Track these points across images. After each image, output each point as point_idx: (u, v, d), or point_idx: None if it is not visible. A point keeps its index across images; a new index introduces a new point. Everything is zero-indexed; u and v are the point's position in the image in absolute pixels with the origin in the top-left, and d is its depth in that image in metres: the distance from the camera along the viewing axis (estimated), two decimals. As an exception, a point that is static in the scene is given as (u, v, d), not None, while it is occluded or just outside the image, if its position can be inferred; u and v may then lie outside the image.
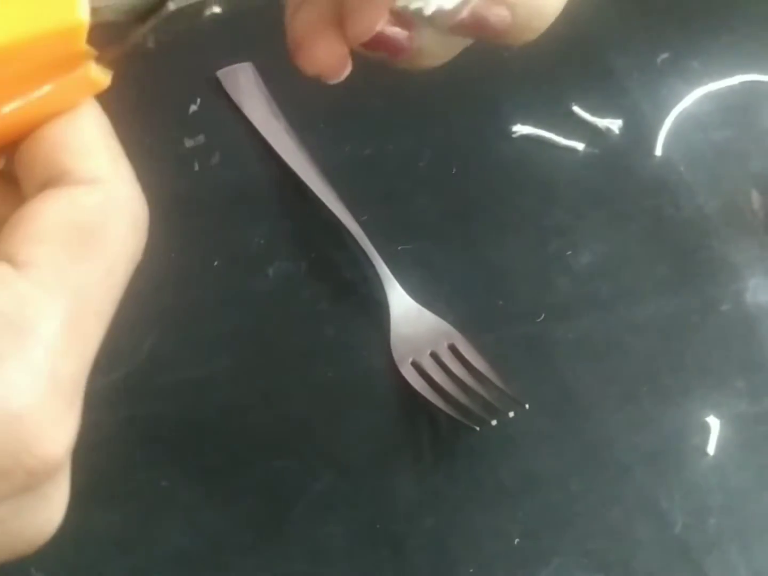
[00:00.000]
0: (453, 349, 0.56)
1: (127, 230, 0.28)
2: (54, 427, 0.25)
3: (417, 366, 0.56)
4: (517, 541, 0.53)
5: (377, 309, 0.58)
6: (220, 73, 0.66)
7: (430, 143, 0.65)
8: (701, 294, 0.61)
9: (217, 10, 0.32)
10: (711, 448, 0.55)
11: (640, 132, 0.66)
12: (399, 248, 0.60)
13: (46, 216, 0.27)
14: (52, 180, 0.28)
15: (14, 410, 0.24)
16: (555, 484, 0.54)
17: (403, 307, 0.57)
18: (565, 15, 0.72)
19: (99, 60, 0.29)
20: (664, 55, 0.70)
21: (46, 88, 0.28)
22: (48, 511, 0.27)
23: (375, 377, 0.56)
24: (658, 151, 0.65)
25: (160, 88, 0.64)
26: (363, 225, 0.60)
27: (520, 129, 0.65)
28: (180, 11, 0.31)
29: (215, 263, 0.59)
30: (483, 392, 0.54)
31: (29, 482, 0.25)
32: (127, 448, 0.53)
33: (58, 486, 0.27)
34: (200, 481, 0.53)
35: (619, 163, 0.65)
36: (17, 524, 0.27)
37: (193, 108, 0.64)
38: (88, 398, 0.27)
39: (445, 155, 0.64)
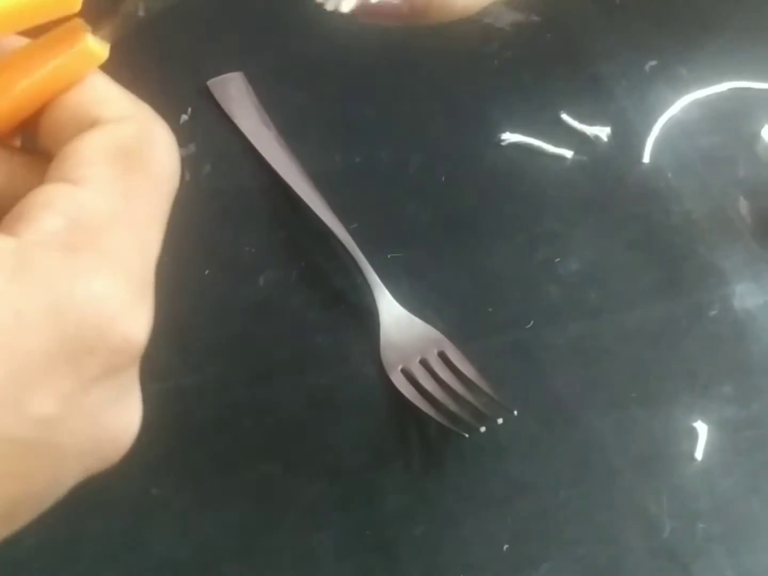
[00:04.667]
0: (442, 356, 0.56)
1: (163, 153, 0.30)
2: (131, 310, 0.28)
3: (407, 373, 0.56)
4: (506, 547, 0.53)
5: (367, 316, 0.58)
6: (211, 83, 0.67)
7: (419, 151, 0.65)
8: (689, 300, 0.61)
9: None
10: (699, 453, 0.55)
11: (628, 139, 0.67)
12: (389, 256, 0.60)
13: (90, 145, 0.29)
14: (85, 129, 0.30)
15: (95, 292, 0.27)
16: (544, 490, 0.54)
17: (392, 314, 0.58)
18: (553, 23, 0.73)
19: (95, 33, 0.31)
20: (652, 63, 0.70)
21: (50, 65, 0.30)
22: (128, 409, 0.30)
23: (365, 384, 0.57)
24: (647, 158, 0.66)
25: (150, 98, 0.64)
26: (353, 233, 0.60)
27: (509, 137, 0.66)
28: None
29: (206, 272, 0.60)
30: (472, 399, 0.54)
31: (115, 363, 0.28)
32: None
33: (134, 382, 0.30)
34: (191, 488, 0.54)
35: (608, 171, 0.66)
36: (104, 416, 0.28)
37: (184, 117, 0.65)
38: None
39: (435, 163, 0.65)
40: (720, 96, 0.68)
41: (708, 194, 0.65)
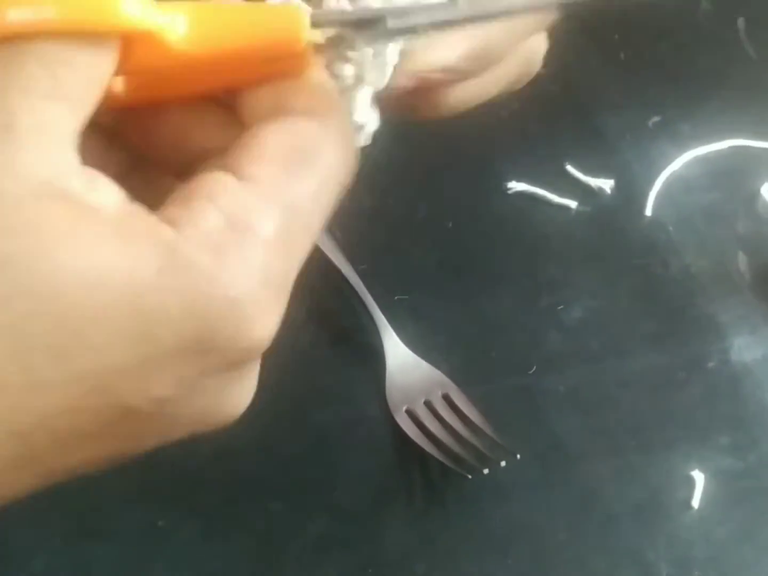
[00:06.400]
0: (447, 398, 0.57)
1: (337, 157, 0.31)
2: (264, 315, 0.29)
3: (411, 414, 0.57)
4: (505, 588, 0.54)
5: (373, 357, 0.59)
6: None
7: (428, 197, 0.66)
8: (688, 351, 0.62)
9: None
10: (695, 502, 0.56)
11: (630, 192, 0.68)
12: (396, 298, 0.61)
13: (269, 139, 0.30)
14: (275, 111, 0.31)
15: (233, 296, 0.28)
16: (544, 532, 0.55)
17: (398, 355, 0.59)
18: (560, 76, 0.74)
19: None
20: (656, 119, 0.72)
21: (262, 40, 0.31)
22: (243, 390, 0.31)
23: (370, 424, 0.58)
24: (648, 212, 0.67)
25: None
26: (361, 274, 0.61)
27: (515, 186, 0.67)
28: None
29: (216, 308, 0.61)
30: (475, 441, 0.55)
31: (238, 359, 0.29)
32: (125, 488, 0.54)
33: (255, 369, 0.31)
34: (196, 522, 0.54)
35: (610, 222, 0.67)
36: (218, 397, 0.30)
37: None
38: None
39: (443, 209, 0.66)
40: (721, 153, 0.70)
41: (707, 249, 0.66)
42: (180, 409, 0.29)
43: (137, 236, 0.27)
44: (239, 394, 0.31)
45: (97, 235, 0.27)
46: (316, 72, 0.32)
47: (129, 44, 0.29)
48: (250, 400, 0.32)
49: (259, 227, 0.29)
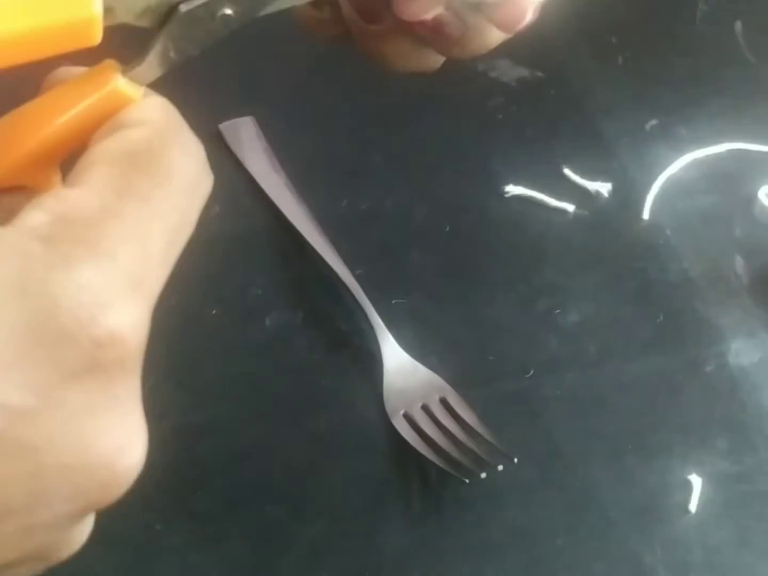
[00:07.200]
0: (444, 402, 0.57)
1: (176, 153, 0.29)
2: (119, 301, 0.26)
3: (409, 418, 0.57)
4: (503, 592, 0.54)
5: (371, 361, 0.59)
6: (223, 126, 0.68)
7: (425, 200, 0.67)
8: (685, 355, 0.62)
9: (228, 11, 0.33)
10: (693, 506, 0.56)
11: (628, 196, 0.68)
12: (393, 302, 0.62)
13: (99, 149, 0.29)
14: (107, 133, 0.29)
15: (74, 279, 0.25)
16: (541, 536, 0.55)
17: (396, 359, 0.59)
18: (558, 79, 0.74)
19: (126, 74, 0.31)
20: (653, 122, 0.72)
21: (81, 106, 0.30)
22: (122, 424, 0.27)
23: (367, 428, 0.58)
24: (646, 215, 0.67)
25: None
26: (358, 278, 0.61)
27: (513, 189, 0.67)
28: (193, 15, 0.32)
29: (214, 312, 0.61)
30: (473, 445, 0.55)
31: (97, 357, 0.25)
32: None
33: (130, 394, 0.27)
34: (193, 525, 0.54)
35: (608, 226, 0.67)
36: (88, 421, 0.26)
37: (196, 159, 0.66)
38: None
39: (440, 213, 0.66)
40: (718, 156, 0.70)
41: (705, 252, 0.66)
42: (42, 436, 0.25)
43: None
44: (118, 426, 0.27)
45: None
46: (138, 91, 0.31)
47: None
48: (141, 449, 0.27)
49: (94, 216, 0.27)
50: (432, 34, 0.38)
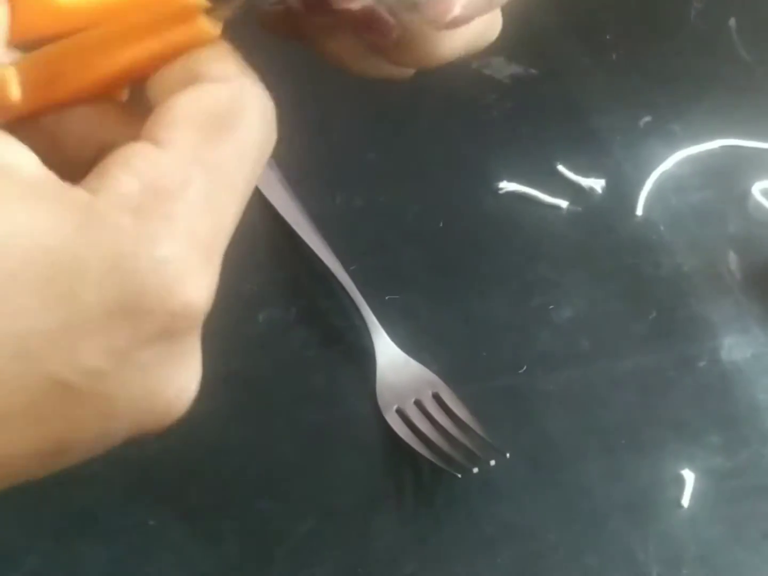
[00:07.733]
0: (437, 397, 0.57)
1: (255, 119, 0.30)
2: (194, 276, 0.28)
3: (401, 413, 0.57)
4: (495, 587, 0.54)
5: (364, 357, 0.59)
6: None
7: (418, 197, 0.67)
8: (678, 350, 0.62)
9: None
10: (686, 501, 0.56)
11: (622, 192, 0.68)
12: (386, 298, 0.62)
13: (183, 105, 0.30)
14: (185, 83, 0.31)
15: (159, 254, 0.27)
16: (534, 531, 0.55)
17: (389, 355, 0.59)
18: (551, 76, 0.74)
19: (209, 12, 0.32)
20: (647, 119, 0.72)
21: (159, 39, 0.31)
22: (185, 371, 0.30)
23: (360, 423, 0.58)
24: (639, 211, 0.67)
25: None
26: (352, 274, 0.61)
27: (506, 186, 0.67)
28: None
29: (207, 308, 0.61)
30: (465, 440, 0.55)
31: (172, 326, 0.28)
32: (116, 487, 0.54)
33: (195, 346, 0.30)
34: (186, 521, 0.54)
35: (601, 222, 0.67)
36: (157, 376, 0.29)
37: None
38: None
39: (433, 209, 0.66)
40: (712, 153, 0.70)
41: (698, 248, 0.66)
42: (116, 388, 0.28)
43: (53, 196, 0.27)
44: (181, 375, 0.30)
45: (9, 194, 0.26)
46: (218, 39, 0.32)
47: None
48: (196, 388, 0.30)
49: (180, 188, 0.28)
50: (366, 29, 0.37)
